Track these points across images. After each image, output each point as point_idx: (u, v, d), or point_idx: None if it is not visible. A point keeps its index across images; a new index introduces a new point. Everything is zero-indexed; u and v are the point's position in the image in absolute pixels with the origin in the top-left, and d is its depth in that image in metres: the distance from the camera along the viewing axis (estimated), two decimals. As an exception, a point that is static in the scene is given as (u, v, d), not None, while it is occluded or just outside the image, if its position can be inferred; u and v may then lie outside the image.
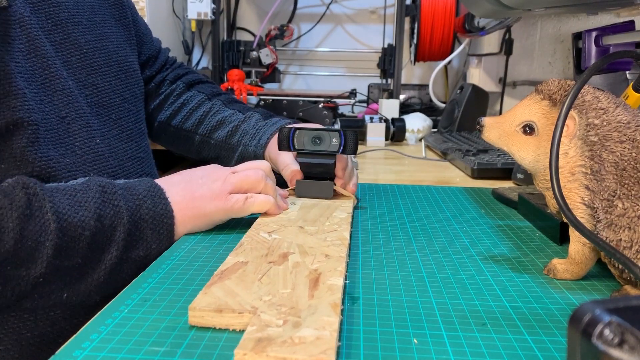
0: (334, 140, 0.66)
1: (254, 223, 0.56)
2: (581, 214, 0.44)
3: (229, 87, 1.55)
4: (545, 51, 1.35)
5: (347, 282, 0.45)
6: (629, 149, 0.42)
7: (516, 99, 1.53)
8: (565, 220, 0.41)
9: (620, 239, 0.41)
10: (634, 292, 0.43)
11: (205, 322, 0.37)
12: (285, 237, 0.51)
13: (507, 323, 0.38)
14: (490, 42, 1.58)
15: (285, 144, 0.66)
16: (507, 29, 1.51)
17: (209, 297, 0.38)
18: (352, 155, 0.71)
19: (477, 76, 1.61)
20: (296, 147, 0.66)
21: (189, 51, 1.87)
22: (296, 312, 0.36)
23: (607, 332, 0.20)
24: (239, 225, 0.59)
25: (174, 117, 0.83)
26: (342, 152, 0.66)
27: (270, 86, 1.81)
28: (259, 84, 1.67)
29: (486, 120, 0.50)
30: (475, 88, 1.40)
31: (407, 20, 1.69)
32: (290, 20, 1.89)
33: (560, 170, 0.44)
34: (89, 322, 0.37)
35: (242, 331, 0.36)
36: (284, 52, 1.92)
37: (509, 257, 0.52)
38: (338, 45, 1.94)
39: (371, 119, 1.30)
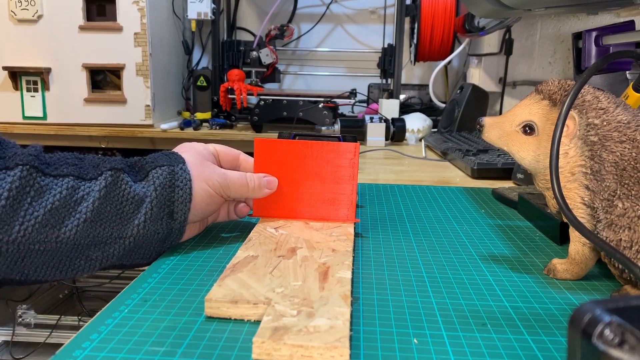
0: None
1: (260, 219, 0.56)
2: (581, 214, 0.44)
3: (229, 87, 1.55)
4: (545, 51, 1.35)
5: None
6: (629, 149, 0.42)
7: (516, 99, 1.53)
8: (565, 220, 0.41)
9: (621, 239, 0.41)
10: (634, 292, 0.43)
11: (222, 313, 0.38)
12: (292, 233, 0.52)
13: (507, 323, 0.38)
14: (490, 42, 1.58)
15: None
16: (507, 29, 1.51)
17: (224, 289, 0.39)
18: None
19: (477, 76, 1.61)
20: None
21: (189, 51, 1.87)
22: (309, 303, 0.37)
23: (607, 332, 0.20)
24: (239, 226, 0.59)
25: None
26: None
27: (270, 86, 1.81)
28: (259, 84, 1.67)
29: (486, 120, 0.50)
30: (475, 88, 1.40)
31: (407, 20, 1.69)
32: (290, 20, 1.89)
33: (560, 170, 0.44)
34: (89, 322, 0.37)
35: (256, 322, 0.37)
36: (284, 52, 1.92)
37: (509, 257, 0.52)
38: (338, 45, 1.94)
39: (371, 119, 1.30)
